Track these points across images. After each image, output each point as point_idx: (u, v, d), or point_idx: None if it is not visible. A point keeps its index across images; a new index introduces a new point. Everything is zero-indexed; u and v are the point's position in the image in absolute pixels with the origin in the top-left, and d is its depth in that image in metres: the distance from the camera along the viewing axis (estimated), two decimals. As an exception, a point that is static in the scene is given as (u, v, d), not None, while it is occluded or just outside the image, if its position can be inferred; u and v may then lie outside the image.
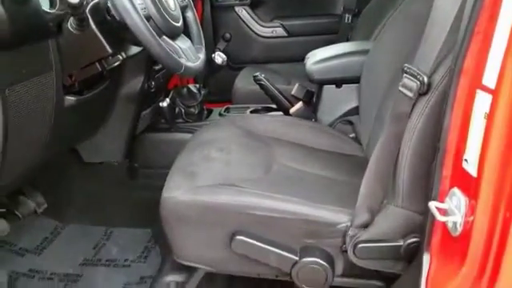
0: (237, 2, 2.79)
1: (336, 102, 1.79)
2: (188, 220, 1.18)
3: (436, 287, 0.85)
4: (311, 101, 1.89)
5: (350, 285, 1.21)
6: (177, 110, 1.96)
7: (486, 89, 0.74)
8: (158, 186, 1.25)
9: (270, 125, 1.61)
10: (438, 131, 0.86)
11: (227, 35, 2.79)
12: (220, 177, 1.23)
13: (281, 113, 1.91)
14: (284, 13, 2.83)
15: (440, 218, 0.81)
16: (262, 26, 2.80)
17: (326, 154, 1.51)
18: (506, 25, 0.72)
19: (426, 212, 0.93)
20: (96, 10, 1.24)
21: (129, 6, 1.14)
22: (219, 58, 1.85)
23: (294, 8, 2.81)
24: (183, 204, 1.17)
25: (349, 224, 1.09)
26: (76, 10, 1.14)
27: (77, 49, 1.24)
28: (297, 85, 1.90)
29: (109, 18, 1.23)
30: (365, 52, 1.65)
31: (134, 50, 1.51)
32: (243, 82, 2.34)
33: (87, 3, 1.24)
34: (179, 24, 1.34)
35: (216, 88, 2.29)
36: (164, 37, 1.27)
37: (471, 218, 0.78)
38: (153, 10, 1.24)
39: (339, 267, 1.14)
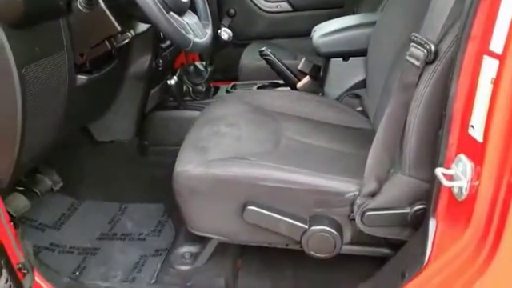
0: (241, -24, 2.76)
1: (343, 75, 1.79)
2: (201, 192, 1.21)
3: (442, 250, 0.88)
4: (318, 75, 1.89)
5: (358, 252, 1.25)
6: (184, 87, 1.98)
7: (493, 54, 0.76)
8: (168, 163, 1.28)
9: (277, 100, 1.63)
10: (444, 99, 0.88)
11: (232, 11, 2.76)
12: (230, 151, 1.26)
13: (288, 88, 1.92)
14: (288, -13, 2.80)
15: (446, 183, 0.84)
16: (266, 0, 2.77)
17: (333, 127, 1.53)
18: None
19: (432, 179, 0.95)
20: None
21: None
22: (225, 33, 1.85)
23: (298, -19, 2.78)
24: (196, 177, 1.20)
25: (357, 193, 1.12)
26: None
27: (86, 27, 1.26)
28: (303, 59, 1.90)
29: None
30: (371, 24, 1.65)
31: (142, 27, 1.51)
32: (249, 59, 2.33)
33: None
34: (186, 0, 1.34)
35: (221, 65, 2.28)
36: (171, 13, 1.26)
37: (476, 182, 0.81)
38: None
39: (347, 235, 1.18)
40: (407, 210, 1.08)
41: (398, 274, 1.01)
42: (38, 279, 1.19)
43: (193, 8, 1.49)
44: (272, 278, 1.40)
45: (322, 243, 1.16)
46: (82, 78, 1.34)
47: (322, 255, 1.18)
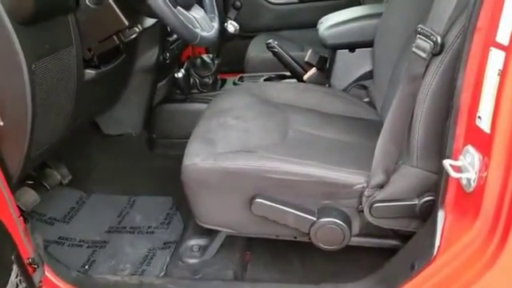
0: (247, -32, 2.74)
1: (350, 66, 1.78)
2: (209, 185, 1.21)
3: (450, 242, 0.88)
4: (324, 66, 1.89)
5: (367, 244, 1.25)
6: (191, 80, 1.98)
7: (499, 46, 0.75)
8: (176, 156, 1.28)
9: (284, 92, 1.62)
10: (451, 90, 0.87)
11: (237, 3, 2.72)
12: (238, 143, 1.26)
13: (295, 80, 1.91)
14: (295, -22, 2.78)
15: (454, 174, 0.84)
16: (272, -8, 2.76)
17: (340, 118, 1.52)
18: (519, -19, 0.72)
19: (440, 170, 0.95)
20: None
21: None
22: (232, 26, 1.85)
23: (305, -27, 2.76)
24: (204, 170, 1.20)
25: (365, 185, 1.12)
26: None
27: (94, 22, 1.27)
28: (310, 51, 1.89)
29: None
30: (378, 15, 1.63)
31: (149, 22, 1.52)
32: (256, 51, 2.33)
33: None
34: None
35: (228, 58, 2.28)
36: (178, 7, 1.27)
37: (484, 174, 0.80)
38: None
39: (356, 227, 1.18)
40: (415, 202, 1.08)
41: (407, 266, 1.01)
42: (47, 273, 1.21)
43: (199, 2, 1.50)
44: (280, 269, 1.40)
45: (330, 235, 1.16)
46: (90, 72, 1.35)
47: (331, 247, 1.19)
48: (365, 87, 1.73)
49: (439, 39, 0.92)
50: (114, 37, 1.32)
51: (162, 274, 1.45)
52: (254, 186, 1.18)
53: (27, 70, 1.07)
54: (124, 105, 1.80)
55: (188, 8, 1.31)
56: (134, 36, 1.34)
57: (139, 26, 1.33)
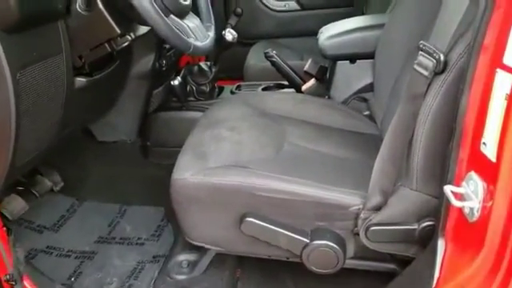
0: (249, -26, 2.71)
1: (350, 78, 1.73)
2: (198, 201, 1.17)
3: (450, 274, 0.82)
4: (324, 77, 1.84)
5: (363, 267, 1.20)
6: (188, 88, 1.94)
7: (507, 68, 0.69)
8: (170, 165, 1.24)
9: (281, 103, 1.58)
10: (454, 112, 0.82)
11: (238, 10, 2.69)
12: (230, 157, 1.22)
13: (293, 90, 1.87)
14: (297, -15, 2.74)
15: (456, 203, 0.78)
16: (274, -1, 2.72)
17: (339, 132, 1.47)
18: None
19: (441, 195, 0.89)
20: None
21: None
22: (230, 34, 1.81)
23: (306, -20, 2.72)
24: (193, 186, 1.16)
25: (361, 206, 1.07)
26: None
27: (86, 30, 1.24)
28: (309, 60, 1.85)
29: None
30: (380, 26, 1.59)
31: (143, 29, 1.48)
32: (254, 59, 2.29)
33: None
34: (188, 2, 1.30)
35: (227, 65, 2.25)
36: (172, 15, 1.24)
37: (489, 203, 0.74)
38: None
39: (351, 250, 1.13)
40: (415, 226, 1.03)
41: (404, 296, 0.96)
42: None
43: (195, 10, 1.46)
44: (272, 289, 1.35)
45: (323, 258, 1.11)
46: (80, 80, 1.32)
47: (324, 271, 1.13)
48: (365, 100, 1.67)
49: (442, 57, 0.86)
50: (106, 44, 1.29)
51: None
52: (245, 203, 1.13)
53: (11, 78, 1.03)
54: (118, 111, 1.76)
55: (182, 16, 1.27)
56: (126, 44, 1.30)
57: (132, 34, 1.30)
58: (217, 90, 2.04)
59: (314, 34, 1.84)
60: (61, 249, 1.67)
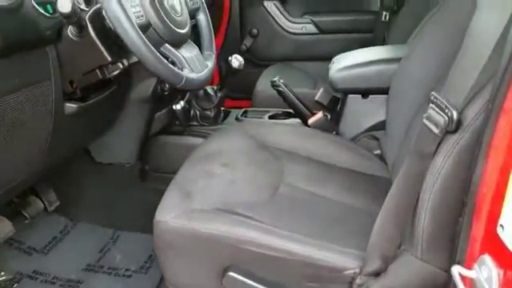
0: (266, -5, 2.64)
1: (361, 113, 1.60)
2: (179, 248, 1.07)
3: None
4: (335, 108, 1.72)
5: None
6: (192, 112, 1.86)
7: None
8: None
9: (284, 136, 1.48)
10: (467, 180, 0.69)
11: (254, 31, 2.63)
12: (218, 199, 1.12)
13: (299, 120, 1.76)
14: (315, 8, 2.64)
15: (464, 290, 0.65)
16: (291, 21, 2.62)
17: (344, 172, 1.36)
18: None
19: (449, 269, 0.76)
20: (96, 17, 1.17)
21: (120, 14, 1.03)
22: (236, 61, 1.72)
23: (326, 3, 2.62)
24: (174, 230, 1.06)
25: (357, 270, 0.94)
26: (70, 19, 1.09)
27: (77, 56, 1.20)
28: (321, 90, 1.74)
29: (108, 25, 1.14)
30: (396, 60, 1.46)
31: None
32: (264, 85, 2.19)
33: (88, 10, 1.18)
34: (184, 30, 1.23)
35: (238, 86, 2.17)
36: (166, 45, 1.17)
37: (504, 295, 0.61)
38: (153, 17, 1.14)
39: (344, 316, 0.99)
40: (418, 300, 0.89)
41: None
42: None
43: (197, 37, 1.39)
44: None
45: (312, 325, 0.98)
46: (71, 106, 1.28)
47: (312, 338, 1.00)
48: (376, 138, 1.54)
49: (455, 115, 0.73)
50: (97, 71, 1.23)
51: None
52: (228, 256, 1.02)
53: None
54: (118, 133, 1.71)
55: (178, 46, 1.20)
56: (117, 72, 1.24)
57: (124, 62, 1.24)
58: (222, 114, 1.96)
59: (330, 58, 1.73)
60: (47, 274, 1.63)
